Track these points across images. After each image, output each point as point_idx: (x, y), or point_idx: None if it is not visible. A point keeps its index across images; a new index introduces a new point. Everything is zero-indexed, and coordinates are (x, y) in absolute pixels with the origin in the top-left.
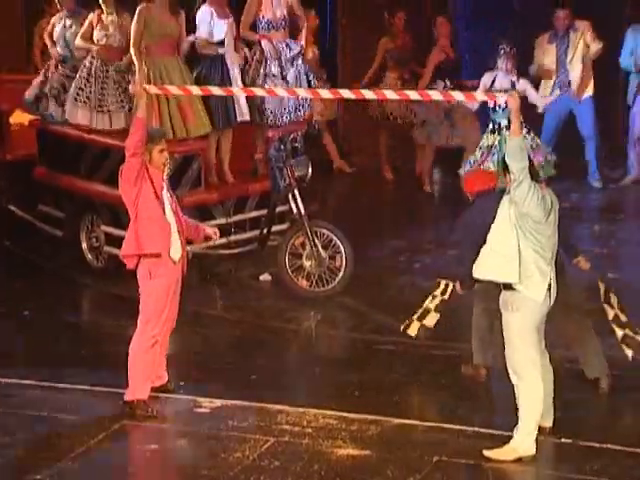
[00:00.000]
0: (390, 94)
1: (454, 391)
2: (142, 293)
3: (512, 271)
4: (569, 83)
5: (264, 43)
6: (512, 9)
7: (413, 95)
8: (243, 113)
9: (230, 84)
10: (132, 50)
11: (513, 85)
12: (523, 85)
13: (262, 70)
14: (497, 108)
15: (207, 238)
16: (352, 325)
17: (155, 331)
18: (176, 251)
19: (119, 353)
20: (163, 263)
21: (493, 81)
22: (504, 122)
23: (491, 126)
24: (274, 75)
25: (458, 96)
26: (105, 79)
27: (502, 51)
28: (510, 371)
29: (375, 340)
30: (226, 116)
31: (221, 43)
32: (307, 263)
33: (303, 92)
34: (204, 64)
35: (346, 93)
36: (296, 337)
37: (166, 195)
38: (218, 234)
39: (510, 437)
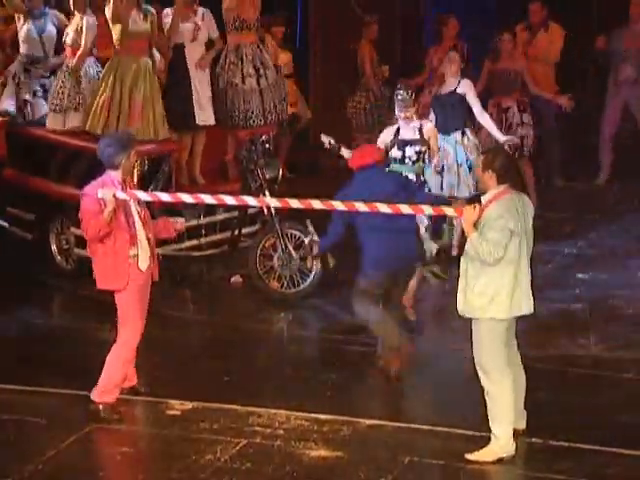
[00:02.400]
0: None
1: (425, 391)
2: (118, 305)
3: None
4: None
5: (241, 44)
6: (483, 7)
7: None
8: (206, 117)
9: (190, 83)
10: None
11: (420, 130)
12: (429, 132)
13: (239, 71)
14: (406, 159)
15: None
16: (323, 326)
17: (137, 339)
18: (144, 261)
19: (89, 355)
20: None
21: (397, 133)
22: (411, 177)
23: None
24: (250, 76)
25: (405, 209)
26: (64, 79)
27: (399, 96)
28: (479, 373)
29: (346, 341)
30: (183, 120)
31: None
32: (278, 264)
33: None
34: (173, 68)
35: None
36: (267, 338)
37: (134, 207)
38: (183, 223)
39: (481, 437)
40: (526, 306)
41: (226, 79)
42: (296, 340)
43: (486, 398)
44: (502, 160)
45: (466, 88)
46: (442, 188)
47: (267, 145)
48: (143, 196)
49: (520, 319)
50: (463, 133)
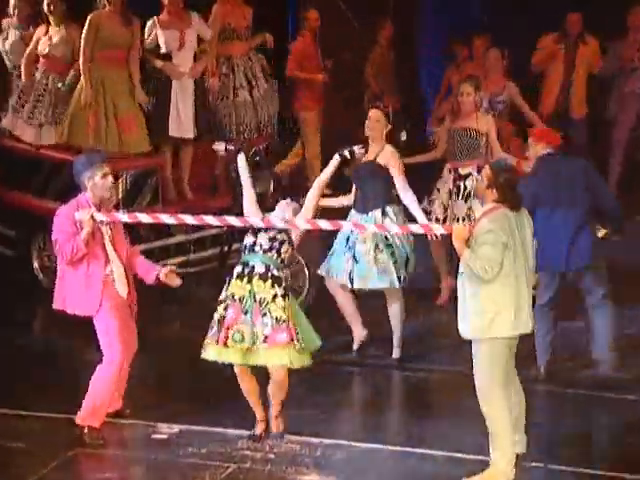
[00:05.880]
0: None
1: (421, 414)
2: (97, 328)
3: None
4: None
5: (232, 54)
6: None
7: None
8: (184, 130)
9: (169, 94)
10: (80, 59)
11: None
12: (298, 232)
13: (231, 83)
14: (256, 247)
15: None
16: None
17: (121, 362)
18: (122, 285)
19: (73, 377)
20: (108, 292)
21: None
22: (259, 268)
23: (240, 269)
24: (242, 88)
25: (394, 228)
26: (43, 91)
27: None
28: (478, 395)
29: (339, 361)
30: (158, 133)
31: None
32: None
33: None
34: (155, 77)
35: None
36: None
37: (105, 230)
38: (179, 283)
39: (480, 461)
40: (529, 324)
41: (217, 91)
42: None
43: (487, 422)
44: (504, 177)
45: (388, 158)
46: (351, 280)
47: (257, 158)
48: (121, 217)
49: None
50: (384, 212)
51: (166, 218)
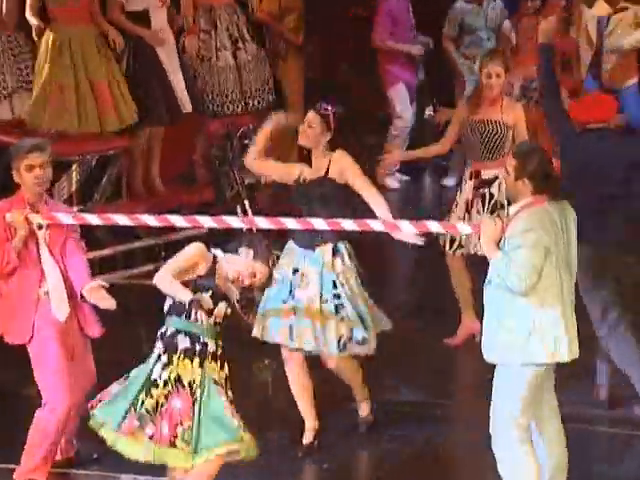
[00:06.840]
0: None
1: (439, 466)
2: (32, 361)
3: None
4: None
5: (213, 5)
6: None
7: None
8: (185, 104)
9: (162, 69)
10: (30, 18)
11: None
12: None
13: (212, 42)
14: (191, 314)
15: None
16: (315, 374)
17: (66, 404)
18: (59, 306)
19: (14, 417)
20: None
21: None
22: (212, 345)
23: (188, 343)
24: (225, 48)
25: (407, 226)
26: None
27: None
28: (492, 434)
29: (346, 395)
30: (176, 110)
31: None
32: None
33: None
34: (128, 43)
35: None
36: (245, 389)
37: (42, 236)
38: (110, 305)
39: None
40: (575, 348)
41: (195, 52)
42: (281, 392)
43: (499, 469)
44: (537, 162)
45: (343, 166)
46: (291, 336)
47: (246, 141)
48: (65, 219)
49: None
50: (335, 250)
51: (122, 219)
